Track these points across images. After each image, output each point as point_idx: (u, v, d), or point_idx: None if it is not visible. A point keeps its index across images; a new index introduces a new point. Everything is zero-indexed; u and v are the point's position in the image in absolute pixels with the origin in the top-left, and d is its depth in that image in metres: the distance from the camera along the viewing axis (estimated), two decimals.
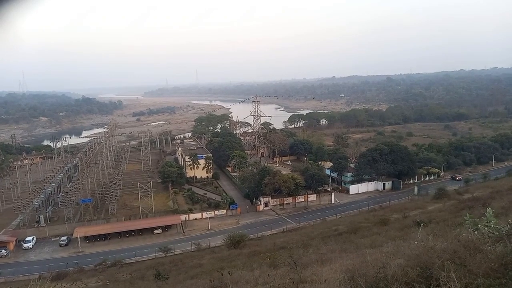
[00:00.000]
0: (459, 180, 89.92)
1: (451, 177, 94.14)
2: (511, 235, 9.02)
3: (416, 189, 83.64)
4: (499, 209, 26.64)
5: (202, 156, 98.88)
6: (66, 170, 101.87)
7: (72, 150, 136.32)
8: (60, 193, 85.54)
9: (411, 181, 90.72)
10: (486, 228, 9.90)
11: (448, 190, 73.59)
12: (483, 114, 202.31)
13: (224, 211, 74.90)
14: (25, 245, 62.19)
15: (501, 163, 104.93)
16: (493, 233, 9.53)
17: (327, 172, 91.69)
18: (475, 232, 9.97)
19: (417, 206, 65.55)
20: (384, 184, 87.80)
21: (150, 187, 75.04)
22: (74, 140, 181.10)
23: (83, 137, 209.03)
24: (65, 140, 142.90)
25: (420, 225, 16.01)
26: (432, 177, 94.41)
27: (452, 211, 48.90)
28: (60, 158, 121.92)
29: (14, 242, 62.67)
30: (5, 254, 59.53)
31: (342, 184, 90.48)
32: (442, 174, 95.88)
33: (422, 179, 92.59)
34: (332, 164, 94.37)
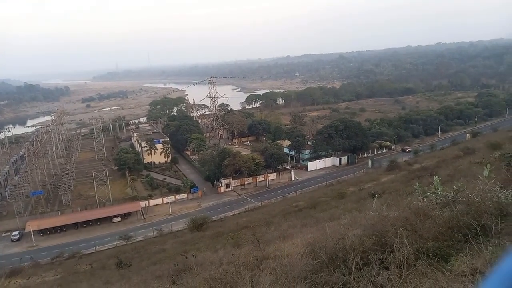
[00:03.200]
0: (409, 151, 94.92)
1: (402, 149, 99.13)
2: (456, 201, 9.70)
3: (370, 162, 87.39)
4: (445, 177, 28.52)
5: (159, 140, 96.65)
6: (13, 162, 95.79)
7: (17, 140, 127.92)
8: (8, 187, 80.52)
9: (365, 155, 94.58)
10: (434, 195, 10.57)
11: (399, 161, 77.58)
12: (429, 88, 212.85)
13: (185, 195, 74.29)
14: None
15: (446, 134, 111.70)
16: (440, 200, 10.19)
17: (286, 150, 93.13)
18: (424, 200, 10.60)
19: (371, 179, 68.72)
20: (340, 159, 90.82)
21: (106, 175, 72.54)
22: (18, 130, 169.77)
23: (28, 127, 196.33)
24: (9, 131, 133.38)
25: (375, 196, 16.77)
26: (384, 150, 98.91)
27: (403, 181, 51.76)
28: (4, 149, 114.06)
29: None
30: None
31: (301, 161, 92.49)
32: (393, 147, 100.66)
33: (375, 153, 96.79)
34: (290, 142, 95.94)
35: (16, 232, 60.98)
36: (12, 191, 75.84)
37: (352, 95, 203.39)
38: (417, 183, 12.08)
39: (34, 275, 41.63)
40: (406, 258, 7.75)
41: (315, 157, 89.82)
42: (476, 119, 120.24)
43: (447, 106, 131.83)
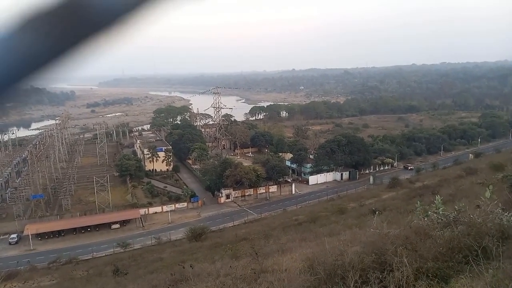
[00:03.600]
0: (411, 169, 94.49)
1: (404, 166, 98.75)
2: (458, 221, 9.65)
3: (371, 178, 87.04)
4: (447, 196, 28.36)
5: (162, 148, 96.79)
6: (15, 165, 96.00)
7: (21, 143, 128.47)
8: (9, 189, 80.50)
9: (367, 171, 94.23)
10: (435, 215, 10.52)
11: (401, 179, 77.24)
12: (432, 107, 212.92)
13: (185, 204, 74.05)
14: None
15: (448, 153, 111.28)
16: (442, 219, 10.14)
17: (288, 163, 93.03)
18: (425, 219, 10.55)
19: (372, 195, 68.40)
20: (342, 174, 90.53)
21: (107, 180, 72.52)
22: (22, 133, 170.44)
23: (32, 129, 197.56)
24: (13, 133, 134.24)
25: (375, 213, 16.67)
26: (386, 167, 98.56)
27: (404, 199, 51.53)
28: (7, 151, 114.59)
29: None
30: None
31: (302, 175, 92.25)
32: (395, 164, 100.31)
33: (377, 169, 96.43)
34: (292, 155, 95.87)
35: (14, 235, 60.75)
36: (12, 194, 75.84)
37: (355, 110, 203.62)
38: (418, 202, 12.03)
39: (30, 279, 41.38)
40: (406, 278, 7.68)
41: (317, 171, 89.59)
42: (479, 140, 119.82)
43: (451, 126, 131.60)
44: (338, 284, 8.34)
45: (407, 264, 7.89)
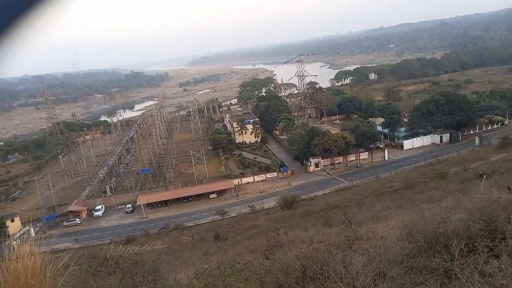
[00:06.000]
0: None
1: None
2: None
3: (477, 139, 78.74)
4: None
5: (250, 121, 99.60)
6: (124, 143, 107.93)
7: (127, 123, 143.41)
8: (121, 165, 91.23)
9: (472, 132, 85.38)
10: None
11: None
12: None
13: (275, 173, 75.90)
14: (96, 213, 68.01)
15: None
16: None
17: (379, 128, 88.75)
18: None
19: (478, 158, 61.93)
20: (441, 136, 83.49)
21: (202, 154, 77.63)
22: (128, 114, 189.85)
23: (135, 111, 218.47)
24: (120, 115, 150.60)
25: (483, 177, 15.12)
26: (495, 126, 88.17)
27: None
28: (117, 132, 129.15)
29: (86, 211, 68.74)
30: (79, 222, 65.68)
31: (395, 140, 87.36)
32: (506, 122, 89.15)
33: (484, 129, 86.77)
34: (383, 120, 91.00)
35: (129, 205, 69.34)
36: (125, 169, 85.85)
37: (456, 65, 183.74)
38: None
39: (145, 243, 46.91)
40: None
41: (412, 135, 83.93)
42: None
43: None
44: (441, 252, 7.82)
45: None
